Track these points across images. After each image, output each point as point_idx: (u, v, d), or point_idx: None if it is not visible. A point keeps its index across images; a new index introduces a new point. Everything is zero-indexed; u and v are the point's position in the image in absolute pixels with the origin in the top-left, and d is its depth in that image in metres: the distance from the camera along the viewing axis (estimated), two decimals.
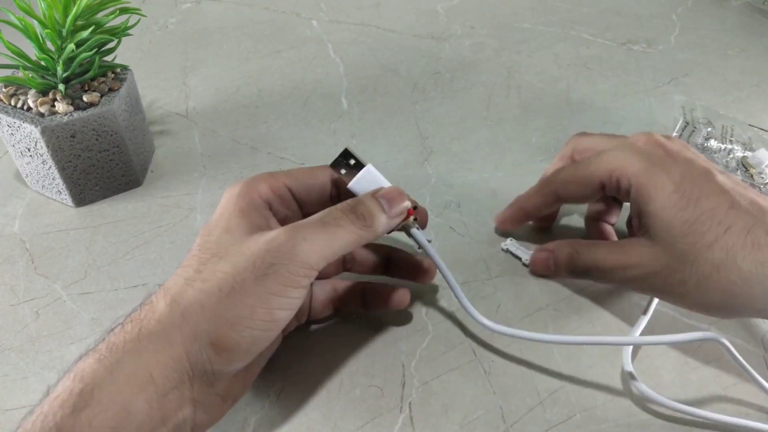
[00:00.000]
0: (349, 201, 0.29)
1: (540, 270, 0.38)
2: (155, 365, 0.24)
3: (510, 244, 0.41)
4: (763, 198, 0.31)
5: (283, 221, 0.30)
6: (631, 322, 0.36)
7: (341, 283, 0.35)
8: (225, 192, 0.29)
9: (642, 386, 0.32)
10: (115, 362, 0.23)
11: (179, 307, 0.25)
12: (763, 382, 0.31)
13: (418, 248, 0.33)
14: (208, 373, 0.25)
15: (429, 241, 0.33)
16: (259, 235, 0.27)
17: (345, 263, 0.36)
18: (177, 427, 0.25)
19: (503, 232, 0.42)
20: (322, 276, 0.34)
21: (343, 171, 0.31)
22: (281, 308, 0.25)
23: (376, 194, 0.30)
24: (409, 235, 0.32)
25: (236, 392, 0.28)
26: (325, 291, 0.34)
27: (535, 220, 0.42)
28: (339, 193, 0.32)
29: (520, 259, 0.40)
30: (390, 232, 0.31)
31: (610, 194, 0.35)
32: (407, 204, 0.30)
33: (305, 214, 0.30)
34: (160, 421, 0.24)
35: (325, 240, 0.26)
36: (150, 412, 0.23)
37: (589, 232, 0.41)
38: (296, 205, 0.31)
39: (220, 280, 0.25)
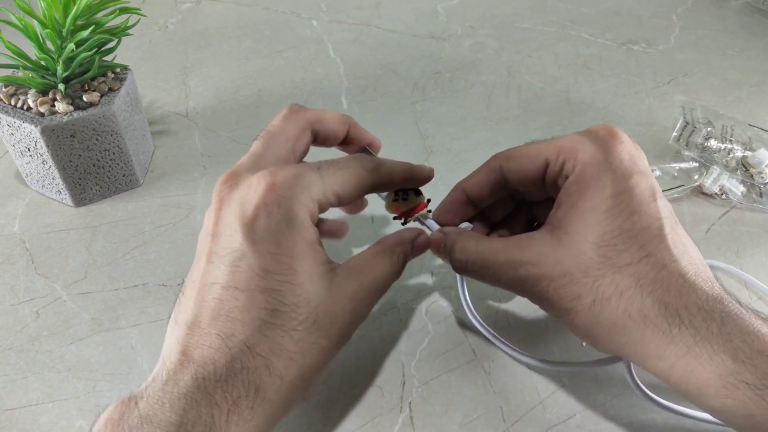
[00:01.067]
0: (398, 250, 0.29)
1: (434, 252, 0.32)
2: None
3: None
4: (687, 238, 0.28)
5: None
6: None
7: None
8: (238, 208, 0.25)
9: (640, 385, 0.32)
10: None
11: (284, 384, 0.24)
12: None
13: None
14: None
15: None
16: (339, 292, 0.26)
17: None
18: None
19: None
20: None
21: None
22: None
23: (414, 240, 0.30)
24: (423, 225, 0.33)
25: None
26: None
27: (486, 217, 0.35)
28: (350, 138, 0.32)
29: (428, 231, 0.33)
30: (406, 224, 0.32)
31: (546, 183, 0.29)
32: (426, 239, 0.31)
33: None
34: None
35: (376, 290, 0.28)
36: None
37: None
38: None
39: (318, 356, 0.25)
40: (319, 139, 0.31)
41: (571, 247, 0.26)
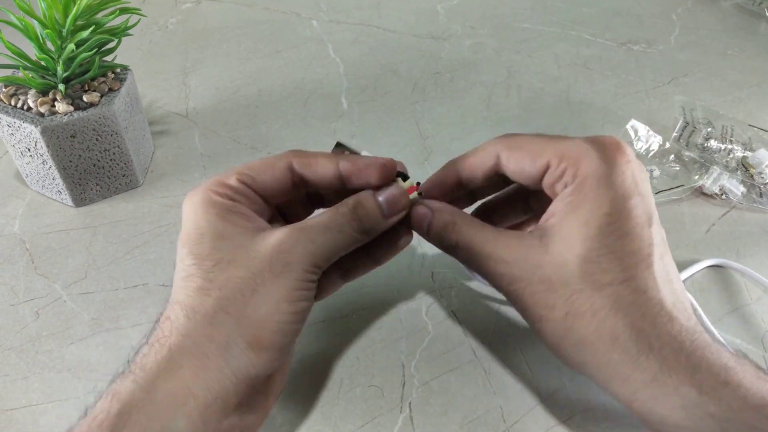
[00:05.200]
0: (350, 203, 0.28)
1: (415, 226, 0.32)
2: (193, 379, 0.23)
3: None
4: (673, 267, 0.28)
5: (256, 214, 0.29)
6: None
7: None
8: (185, 202, 0.28)
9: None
10: (150, 382, 0.23)
11: (204, 318, 0.25)
12: None
13: None
14: (252, 376, 0.25)
15: None
16: (262, 238, 0.27)
17: None
18: None
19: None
20: None
21: None
22: (301, 300, 0.26)
23: (377, 194, 0.29)
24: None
25: (277, 387, 0.28)
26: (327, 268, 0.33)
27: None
28: (304, 179, 0.30)
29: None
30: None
31: (543, 185, 0.29)
32: (407, 202, 0.30)
33: (268, 203, 0.30)
34: None
35: (330, 244, 0.27)
36: (192, 427, 0.23)
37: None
38: (258, 197, 0.30)
39: (239, 285, 0.25)
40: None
41: (556, 256, 0.26)
